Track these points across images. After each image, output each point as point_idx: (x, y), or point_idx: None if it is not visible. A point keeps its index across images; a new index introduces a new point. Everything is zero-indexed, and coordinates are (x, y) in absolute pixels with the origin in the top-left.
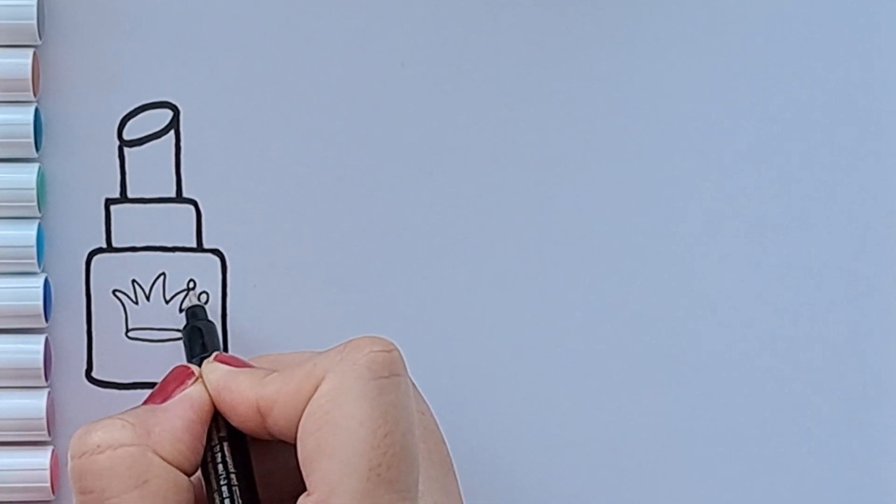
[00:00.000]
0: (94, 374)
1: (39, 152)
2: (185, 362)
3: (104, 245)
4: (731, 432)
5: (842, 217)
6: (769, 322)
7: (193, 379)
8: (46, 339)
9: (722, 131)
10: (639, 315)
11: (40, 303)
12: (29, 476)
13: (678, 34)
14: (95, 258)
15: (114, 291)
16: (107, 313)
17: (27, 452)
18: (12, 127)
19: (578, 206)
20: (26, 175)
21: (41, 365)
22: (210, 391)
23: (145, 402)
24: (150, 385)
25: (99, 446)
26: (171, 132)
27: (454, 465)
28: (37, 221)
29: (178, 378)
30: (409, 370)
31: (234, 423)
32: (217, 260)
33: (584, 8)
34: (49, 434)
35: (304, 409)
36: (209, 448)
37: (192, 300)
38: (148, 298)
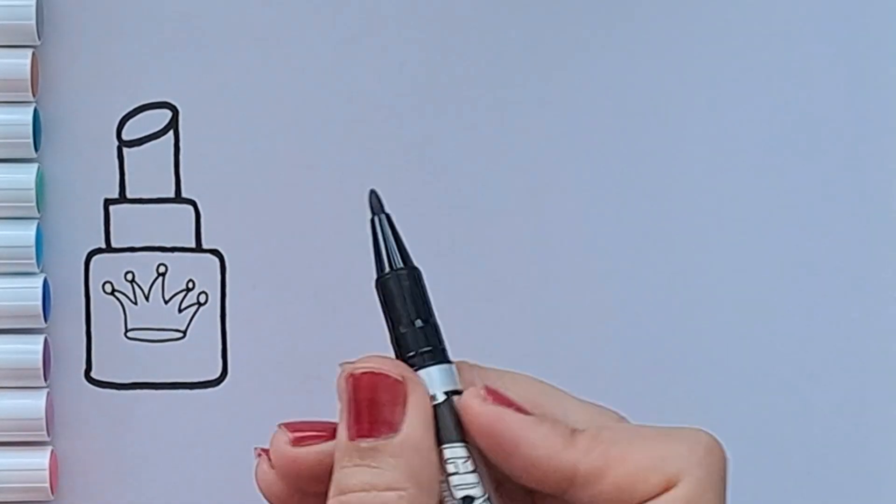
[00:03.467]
0: (93, 375)
1: (38, 152)
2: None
3: (103, 245)
4: (730, 432)
5: (842, 217)
6: (769, 322)
7: (404, 389)
8: (45, 340)
9: (722, 131)
10: (638, 315)
11: (39, 303)
12: (28, 476)
13: (678, 34)
14: (94, 258)
15: (113, 292)
16: (106, 313)
17: (26, 453)
18: (11, 127)
19: (578, 206)
20: (25, 175)
21: (40, 365)
22: (493, 438)
23: (365, 432)
24: (150, 385)
25: None
26: (171, 132)
27: None
28: (36, 221)
29: (391, 394)
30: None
31: (514, 476)
32: (216, 260)
33: (584, 8)
34: (48, 434)
35: (641, 500)
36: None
37: (374, 203)
38: (147, 299)
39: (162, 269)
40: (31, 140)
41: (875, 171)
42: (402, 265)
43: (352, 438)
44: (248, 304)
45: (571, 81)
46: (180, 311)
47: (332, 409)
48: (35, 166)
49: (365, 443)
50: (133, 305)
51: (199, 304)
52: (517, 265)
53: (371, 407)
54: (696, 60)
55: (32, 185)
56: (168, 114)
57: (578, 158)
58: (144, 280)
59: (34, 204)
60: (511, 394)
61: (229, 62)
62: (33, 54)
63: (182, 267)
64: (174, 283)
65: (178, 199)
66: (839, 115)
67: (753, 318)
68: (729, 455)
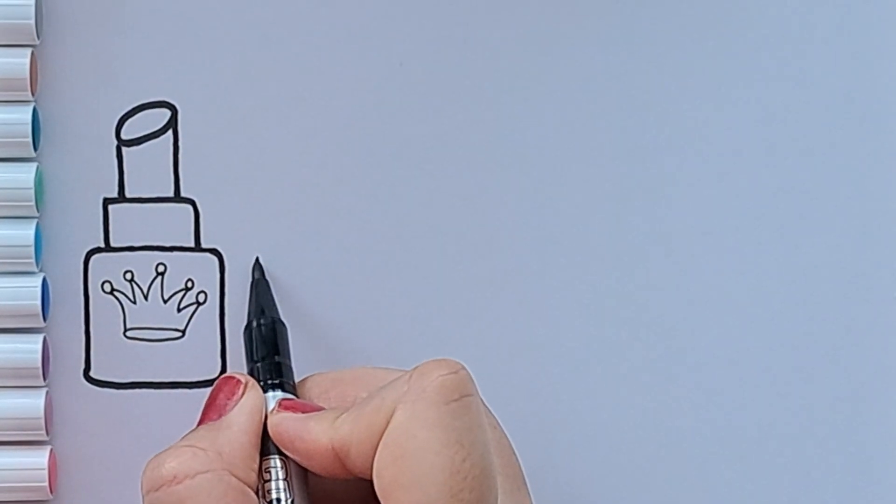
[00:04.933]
0: (92, 374)
1: (37, 152)
2: (232, 371)
3: (102, 244)
4: (729, 432)
5: (841, 217)
6: (769, 322)
7: (242, 388)
8: (44, 339)
9: (722, 131)
10: (638, 314)
11: (38, 302)
12: (27, 476)
13: (678, 34)
14: (93, 258)
15: (112, 291)
16: (105, 313)
17: (25, 452)
18: (10, 126)
19: (578, 206)
20: (24, 174)
21: (39, 364)
22: (282, 442)
23: (201, 421)
24: (149, 385)
25: (175, 477)
26: (170, 132)
27: (525, 476)
28: (35, 221)
29: (229, 390)
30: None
31: (313, 470)
32: (215, 259)
33: (584, 8)
34: (47, 434)
35: (377, 445)
36: (263, 461)
37: (256, 273)
38: (146, 298)
39: (161, 269)
40: (29, 139)
41: (875, 171)
42: (263, 318)
43: (196, 426)
44: (247, 303)
45: (572, 81)
46: (179, 310)
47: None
48: (34, 165)
49: (199, 426)
50: (132, 305)
51: (198, 304)
52: (517, 264)
53: (213, 399)
54: (696, 61)
55: (31, 185)
56: (167, 113)
57: (579, 158)
58: (143, 279)
59: (33, 203)
60: (333, 394)
61: (229, 62)
62: (32, 53)
63: (181, 266)
64: (173, 282)
65: (177, 198)
66: (839, 115)
67: (753, 318)
68: (727, 453)
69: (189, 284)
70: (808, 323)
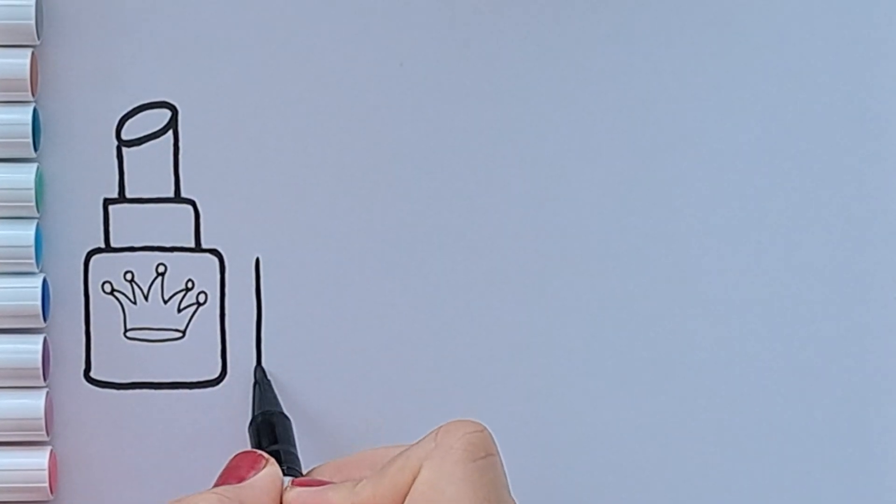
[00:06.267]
0: (92, 374)
1: (38, 152)
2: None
3: (102, 245)
4: (729, 432)
5: (841, 217)
6: (768, 322)
7: (264, 461)
8: (45, 339)
9: (722, 131)
10: (638, 314)
11: (38, 303)
12: (27, 476)
13: (678, 34)
14: (94, 258)
15: (112, 291)
16: (105, 313)
17: (25, 452)
18: (10, 127)
19: (578, 206)
20: (24, 175)
21: (39, 365)
22: None
23: (217, 484)
24: (149, 385)
25: None
26: (170, 132)
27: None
28: (35, 221)
29: (250, 462)
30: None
31: None
32: (215, 260)
33: (584, 8)
34: (47, 434)
35: (402, 503)
36: None
37: (258, 374)
38: (146, 298)
39: (161, 269)
40: (30, 140)
41: (875, 172)
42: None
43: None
44: (248, 303)
45: (572, 81)
46: (180, 310)
47: (332, 407)
48: (34, 166)
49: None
50: (132, 305)
51: (199, 304)
52: (517, 264)
53: (231, 468)
54: (696, 61)
55: (32, 185)
56: (167, 113)
57: (579, 158)
58: (144, 280)
59: (33, 204)
60: (339, 479)
61: (229, 62)
62: (33, 54)
63: (181, 267)
64: (173, 282)
65: (177, 198)
66: (839, 115)
67: (753, 318)
68: (727, 453)
69: (189, 285)
70: (809, 323)
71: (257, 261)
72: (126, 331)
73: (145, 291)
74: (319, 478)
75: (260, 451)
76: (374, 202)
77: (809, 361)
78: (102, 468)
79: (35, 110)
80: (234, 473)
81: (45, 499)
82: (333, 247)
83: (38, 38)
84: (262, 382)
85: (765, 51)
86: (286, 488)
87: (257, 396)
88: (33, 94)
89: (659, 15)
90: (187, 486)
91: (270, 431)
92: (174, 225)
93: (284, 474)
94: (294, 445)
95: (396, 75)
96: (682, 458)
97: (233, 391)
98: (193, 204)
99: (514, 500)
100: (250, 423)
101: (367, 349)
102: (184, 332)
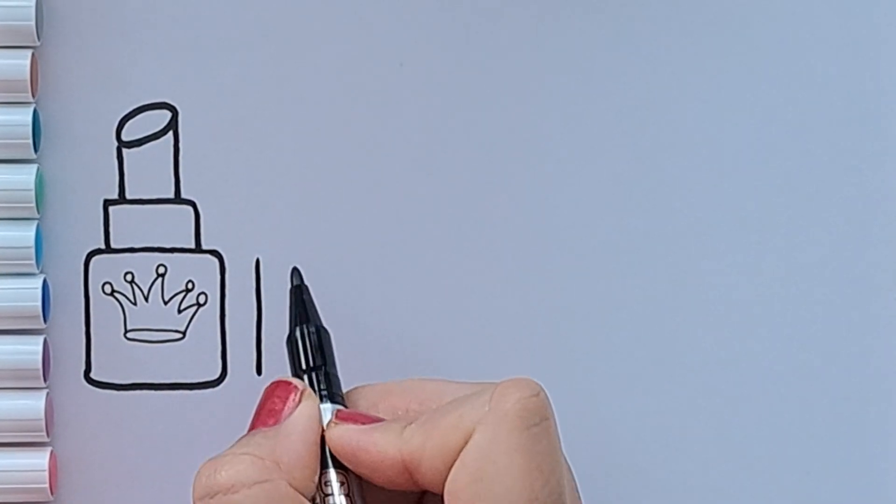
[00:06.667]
0: (92, 375)
1: (38, 153)
2: (286, 376)
3: (103, 246)
4: (728, 431)
5: (841, 217)
6: (768, 322)
7: (298, 394)
8: (45, 340)
9: (722, 131)
10: (638, 314)
11: (39, 304)
12: (27, 477)
13: (678, 34)
14: (94, 259)
15: (112, 292)
16: (105, 314)
17: (26, 453)
18: (11, 128)
19: (578, 206)
20: (25, 176)
21: (40, 366)
22: (345, 454)
23: (254, 425)
24: (149, 386)
25: (233, 486)
26: (170, 133)
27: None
28: (35, 222)
29: (283, 395)
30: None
31: (375, 482)
32: (215, 261)
33: (584, 8)
34: (48, 435)
35: (452, 463)
36: (323, 473)
37: (295, 280)
38: (146, 299)
39: (161, 270)
40: (30, 141)
41: (875, 171)
42: (308, 326)
43: (249, 430)
44: (248, 304)
45: (572, 81)
46: (180, 311)
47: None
48: (34, 167)
49: (255, 432)
50: (132, 306)
51: (199, 305)
52: (517, 264)
53: (266, 402)
54: (696, 61)
55: (32, 186)
56: (167, 114)
57: (579, 158)
58: (144, 281)
59: (34, 205)
60: (382, 407)
61: (229, 63)
62: (33, 55)
63: (181, 268)
64: (174, 283)
65: (177, 199)
66: (839, 115)
67: (753, 318)
68: (727, 453)
69: (189, 286)
70: (809, 323)
71: (257, 262)
72: (126, 332)
73: (145, 292)
74: (363, 401)
75: (294, 381)
76: (375, 203)
77: (809, 361)
78: (103, 469)
79: (35, 111)
80: (269, 413)
81: (46, 500)
82: (335, 247)
83: (39, 39)
84: (298, 290)
85: (765, 51)
86: (330, 424)
87: (294, 305)
88: (33, 96)
89: (659, 15)
90: (187, 486)
91: (312, 349)
92: (174, 226)
93: (325, 400)
94: (334, 365)
95: (397, 75)
96: (682, 457)
97: (233, 392)
98: (194, 205)
99: (567, 463)
100: (287, 339)
101: (368, 351)
102: (184, 333)
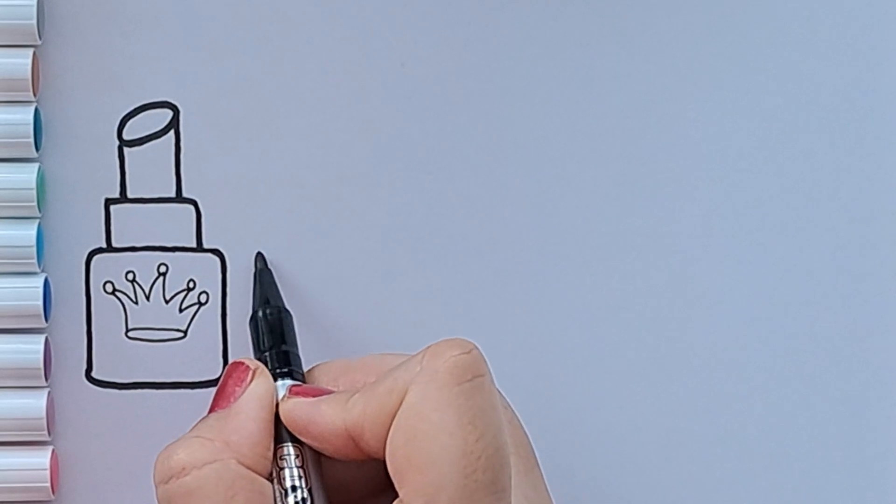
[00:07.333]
0: (93, 374)
1: (39, 152)
2: (243, 357)
3: (104, 245)
4: (729, 432)
5: (842, 217)
6: (768, 322)
7: (251, 374)
8: (46, 339)
9: (722, 131)
10: (638, 314)
11: (40, 303)
12: (28, 476)
13: (678, 34)
14: (95, 258)
15: (114, 291)
16: (107, 313)
17: (27, 452)
18: (12, 127)
19: (578, 206)
20: (26, 175)
21: (41, 365)
22: (295, 427)
23: (211, 409)
24: (150, 385)
25: (184, 468)
26: (171, 132)
27: (537, 456)
28: (36, 221)
29: (238, 377)
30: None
31: (326, 454)
32: (217, 260)
33: (584, 8)
34: (49, 434)
35: (390, 426)
36: (277, 448)
37: (259, 264)
38: (148, 298)
39: (163, 269)
40: (31, 140)
41: (875, 171)
42: (269, 307)
43: (207, 413)
44: (249, 303)
45: (572, 81)
46: (181, 310)
47: None
48: (36, 166)
49: (209, 415)
50: (134, 305)
51: (200, 304)
52: (517, 264)
53: (223, 386)
54: (696, 61)
55: (33, 185)
56: (169, 113)
57: (579, 158)
58: (145, 280)
59: (35, 204)
60: (343, 382)
61: (230, 62)
62: (34, 54)
63: (183, 266)
64: (175, 282)
65: (178, 198)
66: (839, 115)
67: (753, 318)
68: (727, 453)
69: (191, 285)
70: (810, 323)
71: None
72: (127, 331)
73: (147, 291)
74: (324, 377)
75: (247, 361)
76: (376, 202)
77: (810, 361)
78: (104, 468)
79: (36, 110)
80: (223, 395)
81: (47, 499)
82: (335, 247)
83: (40, 38)
84: (262, 273)
85: (765, 51)
86: (283, 398)
87: (258, 288)
88: (35, 95)
89: (659, 15)
90: None
91: (271, 330)
92: (175, 225)
93: (284, 377)
94: (296, 344)
95: (398, 75)
96: (682, 457)
97: None
98: (195, 204)
99: (518, 422)
100: (250, 319)
101: (370, 348)
102: (185, 332)
